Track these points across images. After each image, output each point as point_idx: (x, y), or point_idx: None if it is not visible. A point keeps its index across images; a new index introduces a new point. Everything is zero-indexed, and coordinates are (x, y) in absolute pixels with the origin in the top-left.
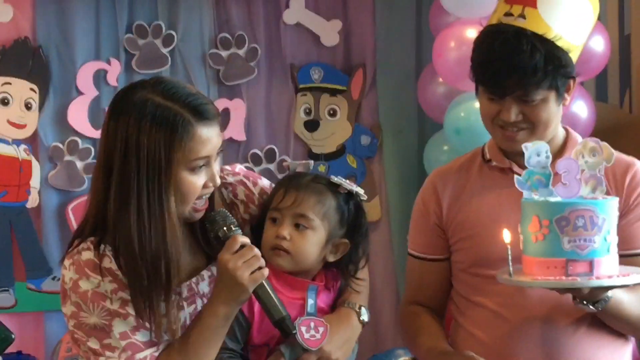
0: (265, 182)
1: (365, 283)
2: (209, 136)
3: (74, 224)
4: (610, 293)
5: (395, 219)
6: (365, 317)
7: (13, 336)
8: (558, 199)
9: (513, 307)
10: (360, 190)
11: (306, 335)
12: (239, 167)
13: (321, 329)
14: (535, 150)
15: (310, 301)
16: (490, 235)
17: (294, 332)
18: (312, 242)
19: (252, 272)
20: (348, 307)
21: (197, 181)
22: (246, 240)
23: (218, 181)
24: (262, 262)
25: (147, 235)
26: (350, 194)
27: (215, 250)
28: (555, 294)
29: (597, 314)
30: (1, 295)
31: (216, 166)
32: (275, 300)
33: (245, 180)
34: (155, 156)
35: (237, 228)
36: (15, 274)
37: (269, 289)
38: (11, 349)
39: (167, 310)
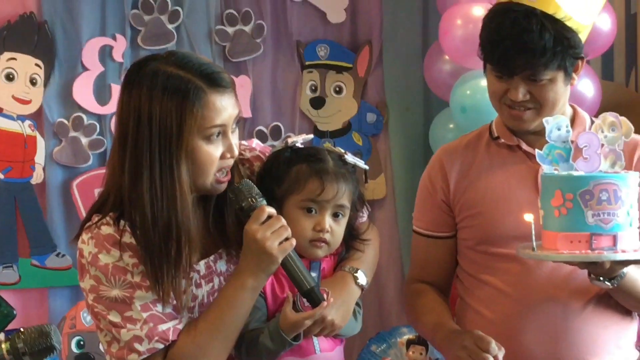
0: None
1: (372, 243)
2: (223, 104)
3: (78, 200)
4: (625, 269)
5: (401, 197)
6: (362, 280)
7: (15, 312)
8: (581, 173)
9: (520, 285)
10: (364, 165)
11: (307, 304)
12: (256, 142)
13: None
14: (556, 125)
15: (314, 274)
16: (499, 213)
17: (323, 301)
18: (344, 227)
19: (281, 243)
20: (344, 271)
21: (213, 151)
22: (273, 210)
23: (236, 152)
24: (289, 232)
25: (159, 205)
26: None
27: (227, 234)
28: (563, 273)
29: (611, 290)
30: (5, 272)
31: (234, 138)
32: (303, 270)
33: (261, 155)
34: (167, 124)
35: (262, 198)
36: (19, 250)
37: (296, 260)
38: (14, 325)
39: (182, 284)
